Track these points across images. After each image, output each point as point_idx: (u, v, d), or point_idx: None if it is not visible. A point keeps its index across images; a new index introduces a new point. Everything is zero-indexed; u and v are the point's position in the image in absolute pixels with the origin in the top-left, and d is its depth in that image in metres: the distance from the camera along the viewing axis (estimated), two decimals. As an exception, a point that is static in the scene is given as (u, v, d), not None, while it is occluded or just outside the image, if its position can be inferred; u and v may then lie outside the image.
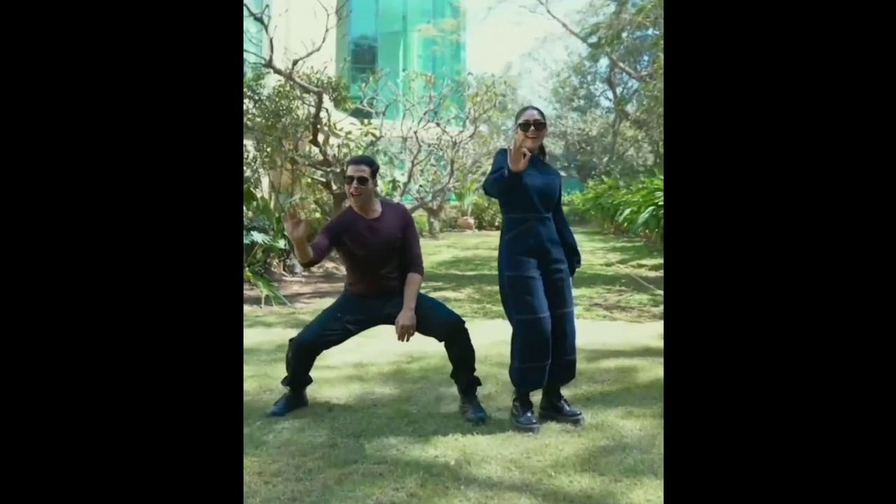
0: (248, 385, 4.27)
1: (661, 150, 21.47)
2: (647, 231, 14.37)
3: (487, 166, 19.87)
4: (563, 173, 38.20)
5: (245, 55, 8.93)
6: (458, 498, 2.73)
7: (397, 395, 4.11)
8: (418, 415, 3.72)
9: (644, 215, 11.57)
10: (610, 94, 33.41)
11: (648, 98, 23.40)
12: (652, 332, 5.98)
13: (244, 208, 9.19)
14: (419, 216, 19.23)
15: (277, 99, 10.80)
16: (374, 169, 3.79)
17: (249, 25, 10.87)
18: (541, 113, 3.69)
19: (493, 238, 18.34)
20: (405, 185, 13.12)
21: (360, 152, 11.91)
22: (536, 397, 3.67)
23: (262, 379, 4.42)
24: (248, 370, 4.54)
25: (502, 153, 3.54)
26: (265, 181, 11.86)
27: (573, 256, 3.76)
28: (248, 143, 11.16)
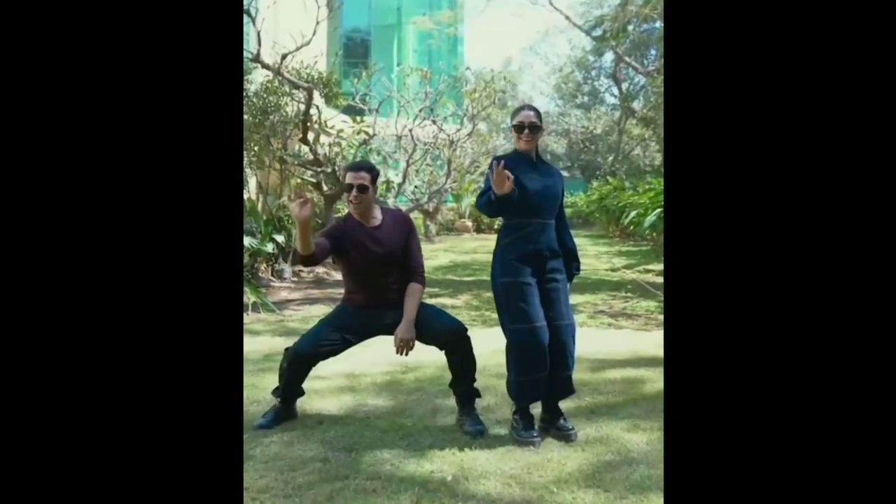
0: (234, 396, 4.27)
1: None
2: (654, 234, 14.39)
3: (486, 166, 19.92)
4: (565, 173, 38.26)
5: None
6: (456, 515, 2.74)
7: (391, 407, 4.12)
8: (413, 428, 3.72)
9: (651, 218, 11.59)
10: (615, 90, 33.45)
11: (656, 94, 23.44)
12: (659, 341, 5.99)
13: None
14: (414, 218, 19.23)
15: (265, 95, 10.80)
16: (375, 175, 3.80)
17: (236, 18, 10.84)
18: (537, 114, 3.70)
19: (493, 242, 18.30)
20: (400, 185, 13.14)
21: (352, 151, 11.93)
22: (537, 409, 3.68)
23: (249, 390, 4.42)
24: (234, 381, 4.53)
25: (497, 160, 3.55)
26: (252, 182, 11.86)
27: (572, 262, 3.77)
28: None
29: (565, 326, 3.58)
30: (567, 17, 18.55)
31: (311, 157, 10.95)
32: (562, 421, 3.61)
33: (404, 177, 13.08)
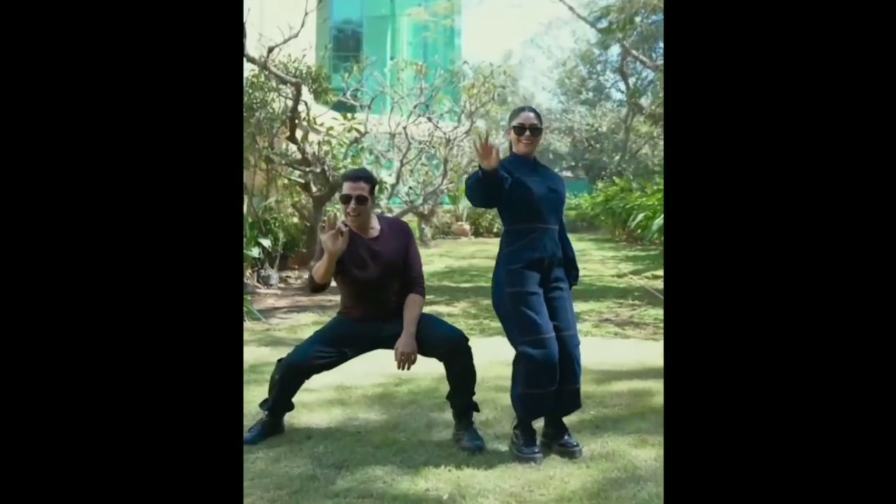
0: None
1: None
2: (662, 238, 14.41)
3: (485, 166, 19.93)
4: (569, 174, 38.18)
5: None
6: (452, 536, 2.74)
7: (384, 421, 4.12)
8: (407, 443, 3.73)
9: (659, 221, 11.61)
10: (622, 86, 33.55)
11: (664, 90, 23.45)
12: (668, 351, 6.00)
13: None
14: (409, 221, 19.24)
15: (251, 91, 10.80)
16: (374, 185, 3.82)
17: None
18: (537, 116, 3.72)
19: (492, 246, 18.36)
20: (393, 186, 13.15)
21: (342, 150, 11.93)
22: (540, 423, 3.68)
23: (232, 403, 4.42)
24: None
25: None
26: (237, 182, 11.84)
27: (571, 271, 3.78)
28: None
29: (572, 337, 3.59)
30: (571, 8, 18.56)
31: (299, 156, 10.95)
32: (566, 437, 3.62)
33: (398, 177, 13.09)
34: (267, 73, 10.38)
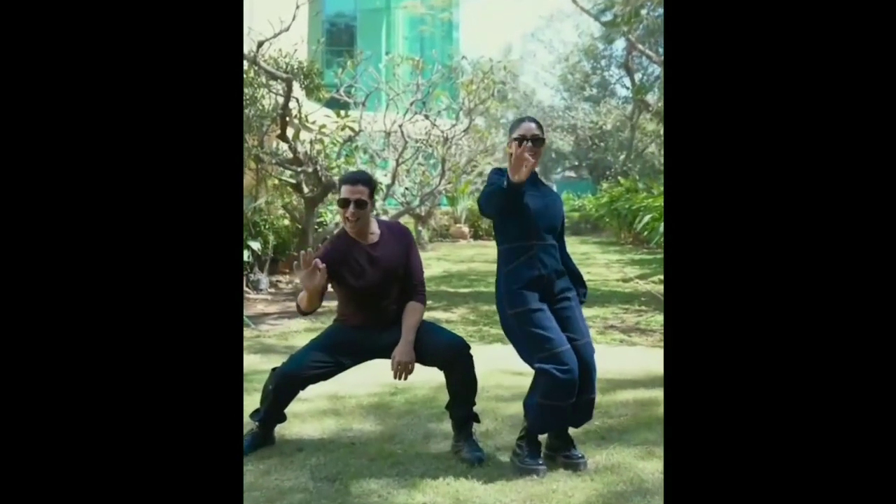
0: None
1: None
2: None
3: (484, 165, 19.95)
4: (572, 174, 38.04)
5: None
6: (451, 551, 2.75)
7: (379, 433, 4.13)
8: (404, 455, 3.73)
9: (667, 223, 11.61)
10: (627, 82, 33.57)
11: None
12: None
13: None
14: (405, 223, 19.24)
15: (239, 87, 10.79)
16: (373, 188, 3.81)
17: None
18: (539, 126, 3.71)
19: (491, 249, 18.30)
20: (389, 187, 13.14)
21: (335, 149, 11.93)
22: (543, 435, 3.68)
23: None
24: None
25: (496, 172, 3.55)
26: (225, 182, 11.85)
27: (579, 288, 3.77)
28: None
29: (587, 345, 3.59)
30: (573, 1, 18.60)
31: (290, 155, 10.94)
32: (573, 449, 3.62)
33: (394, 177, 13.08)
34: (256, 68, 10.37)
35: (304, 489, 3.29)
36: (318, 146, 11.43)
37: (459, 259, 17.21)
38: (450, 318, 8.31)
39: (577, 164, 37.82)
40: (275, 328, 7.76)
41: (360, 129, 12.22)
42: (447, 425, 3.88)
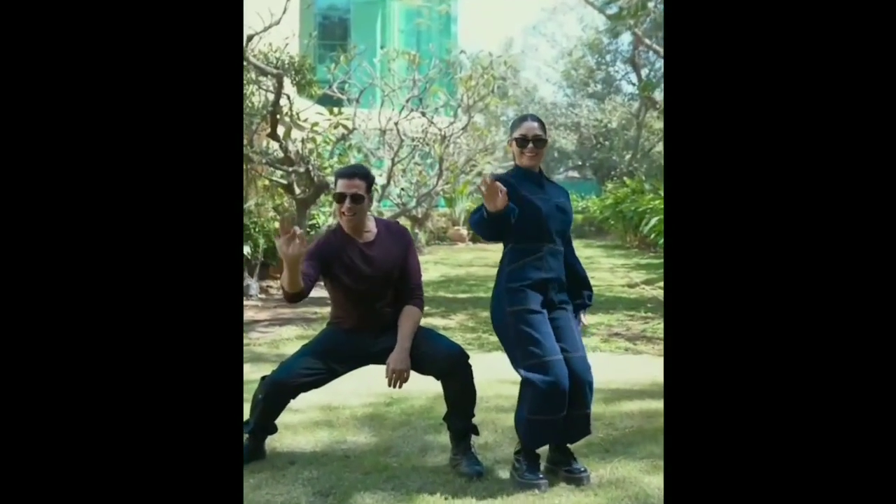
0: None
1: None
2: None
3: (484, 165, 19.90)
4: (576, 174, 37.86)
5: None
6: (449, 569, 2.76)
7: (374, 445, 4.14)
8: (400, 469, 3.74)
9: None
10: (633, 78, 33.61)
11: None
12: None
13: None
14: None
15: (228, 83, 10.78)
16: (370, 182, 3.80)
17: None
18: (541, 125, 3.72)
19: (491, 252, 18.36)
20: (384, 187, 13.14)
21: (328, 148, 11.94)
22: (544, 448, 3.68)
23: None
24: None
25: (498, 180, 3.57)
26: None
27: (584, 291, 3.79)
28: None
29: (580, 359, 3.59)
30: (577, -7, 18.58)
31: (280, 154, 10.95)
32: (575, 463, 3.63)
33: (389, 177, 13.09)
34: (246, 63, 10.39)
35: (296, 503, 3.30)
36: (310, 145, 11.44)
37: (458, 263, 17.21)
38: (448, 325, 8.32)
39: (580, 163, 37.81)
40: (265, 336, 7.75)
41: (353, 126, 12.22)
42: (445, 437, 3.89)
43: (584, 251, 19.36)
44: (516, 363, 3.56)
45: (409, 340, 3.70)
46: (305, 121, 11.74)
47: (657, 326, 8.24)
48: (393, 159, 12.83)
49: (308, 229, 11.51)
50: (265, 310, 9.56)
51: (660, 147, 34.42)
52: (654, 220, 14.05)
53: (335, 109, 12.69)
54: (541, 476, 3.51)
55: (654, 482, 3.54)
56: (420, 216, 20.01)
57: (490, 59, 13.80)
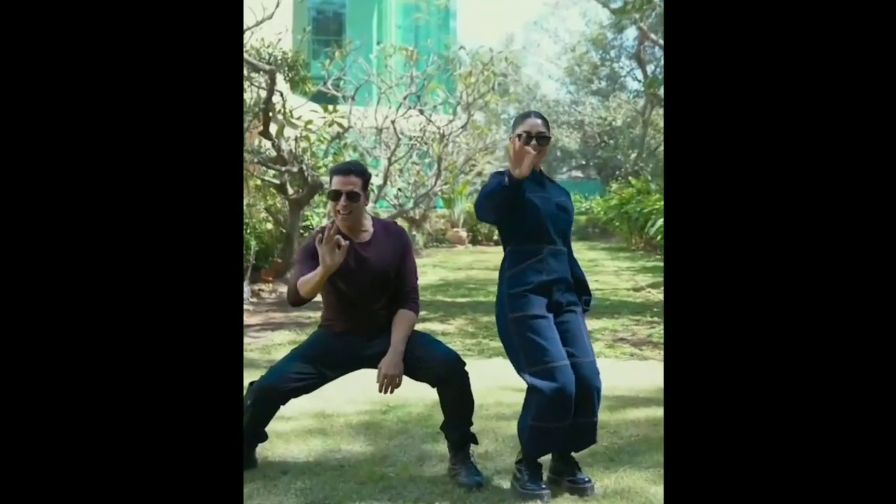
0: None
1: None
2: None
3: (484, 165, 19.94)
4: (579, 173, 37.83)
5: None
6: (447, 583, 2.75)
7: (370, 454, 4.14)
8: (396, 479, 3.74)
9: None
10: (639, 74, 33.63)
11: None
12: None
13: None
14: (398, 227, 19.20)
15: (219, 79, 10.78)
16: (366, 179, 3.79)
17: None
18: (545, 122, 3.71)
19: (491, 255, 18.36)
20: (380, 188, 13.16)
21: (322, 147, 11.95)
22: (546, 456, 3.68)
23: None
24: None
25: (497, 175, 3.55)
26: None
27: (583, 296, 3.78)
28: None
29: (589, 364, 3.57)
30: (581, -13, 18.60)
31: (273, 153, 10.96)
32: (579, 473, 3.61)
33: (385, 177, 13.11)
34: (237, 59, 10.37)
35: (288, 515, 3.29)
36: (303, 144, 11.44)
37: (457, 266, 17.20)
38: (446, 330, 8.31)
39: (584, 163, 37.83)
40: (257, 341, 7.74)
41: (349, 125, 12.24)
42: (443, 446, 3.88)
43: (587, 253, 19.38)
44: (522, 370, 3.53)
45: (403, 345, 3.68)
46: (299, 119, 11.75)
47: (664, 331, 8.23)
48: (390, 159, 12.84)
49: (301, 231, 11.51)
50: (256, 314, 9.54)
51: (666, 146, 34.40)
52: (659, 222, 14.05)
53: (330, 107, 12.71)
54: (543, 486, 3.49)
55: (661, 493, 3.52)
56: (418, 218, 20.02)
57: (490, 55, 13.83)
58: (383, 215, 13.24)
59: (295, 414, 4.68)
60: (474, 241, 25.28)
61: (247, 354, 6.98)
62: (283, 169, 10.77)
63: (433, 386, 3.73)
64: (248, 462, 3.82)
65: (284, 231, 11.54)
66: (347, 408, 4.95)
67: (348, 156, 13.04)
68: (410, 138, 13.79)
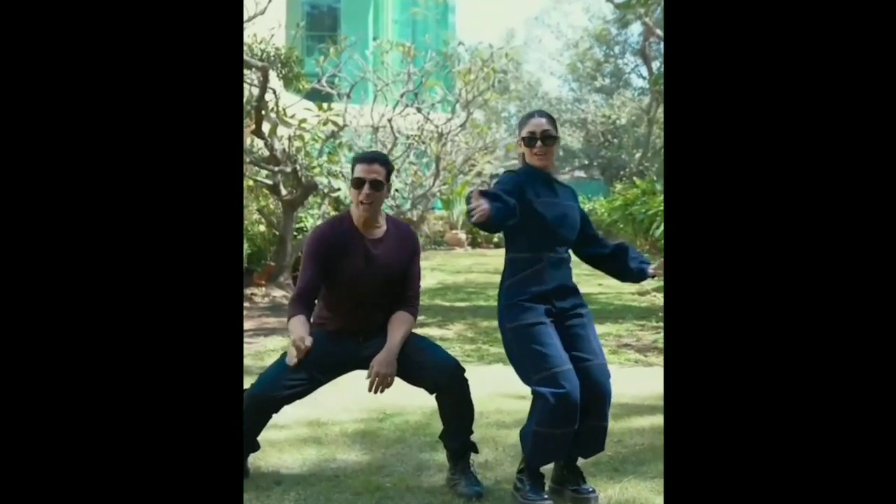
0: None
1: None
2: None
3: (483, 165, 19.91)
4: (582, 173, 37.82)
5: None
6: None
7: (366, 463, 4.14)
8: (393, 489, 3.74)
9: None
10: (644, 71, 33.64)
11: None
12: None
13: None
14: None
15: (209, 76, 10.78)
16: (389, 170, 3.77)
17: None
18: (551, 121, 3.69)
19: (491, 258, 18.37)
20: (377, 188, 13.11)
21: (316, 146, 11.94)
22: (547, 467, 3.68)
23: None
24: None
25: (508, 175, 3.54)
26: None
27: (632, 259, 3.83)
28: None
29: (599, 367, 3.56)
30: (583, -19, 18.62)
31: (266, 153, 10.96)
32: (583, 483, 3.61)
33: (383, 177, 13.07)
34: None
35: (281, 527, 3.29)
36: (297, 143, 11.43)
37: (456, 269, 17.21)
38: (445, 335, 8.31)
39: (587, 162, 37.79)
40: (249, 347, 7.71)
41: (344, 123, 12.23)
42: (441, 455, 3.88)
43: (591, 256, 19.32)
44: (527, 379, 3.52)
45: (399, 346, 3.65)
46: (292, 117, 11.74)
47: (669, 337, 8.24)
48: (386, 158, 12.82)
49: (295, 233, 11.51)
50: (249, 319, 9.51)
51: (672, 145, 34.41)
52: (665, 224, 14.02)
53: (324, 105, 12.68)
54: (545, 496, 3.49)
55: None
56: (415, 219, 19.99)
57: (490, 51, 13.82)
58: (380, 216, 13.23)
59: (289, 422, 4.68)
60: (474, 244, 25.26)
61: (239, 361, 6.98)
62: (277, 169, 10.77)
63: (431, 393, 3.71)
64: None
65: (277, 233, 11.54)
66: (343, 416, 4.95)
67: (343, 155, 13.03)
68: (408, 137, 13.77)
